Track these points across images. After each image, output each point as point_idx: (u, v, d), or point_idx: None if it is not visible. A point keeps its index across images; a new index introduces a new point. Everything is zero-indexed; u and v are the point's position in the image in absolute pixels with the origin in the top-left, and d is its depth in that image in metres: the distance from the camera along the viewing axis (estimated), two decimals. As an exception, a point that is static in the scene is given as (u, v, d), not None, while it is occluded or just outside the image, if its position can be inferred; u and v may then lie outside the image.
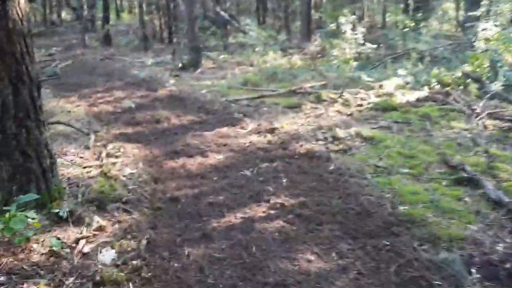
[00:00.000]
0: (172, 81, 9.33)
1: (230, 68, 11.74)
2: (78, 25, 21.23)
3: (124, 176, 4.11)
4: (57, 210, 3.13)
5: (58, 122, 5.52)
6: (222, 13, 16.47)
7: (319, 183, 4.31)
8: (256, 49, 12.84)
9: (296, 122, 6.48)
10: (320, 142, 5.51)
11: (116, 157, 4.78)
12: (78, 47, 16.34)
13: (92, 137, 5.22)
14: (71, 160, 4.42)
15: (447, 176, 4.52)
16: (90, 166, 4.25)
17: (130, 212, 3.47)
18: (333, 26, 16.13)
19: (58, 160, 4.31)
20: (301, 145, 5.34)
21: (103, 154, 4.71)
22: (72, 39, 18.71)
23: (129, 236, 3.11)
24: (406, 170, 4.65)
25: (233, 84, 9.53)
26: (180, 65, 11.29)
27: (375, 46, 13.70)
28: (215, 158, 5.02)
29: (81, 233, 3.05)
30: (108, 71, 11.18)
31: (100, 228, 3.12)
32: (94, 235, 3.06)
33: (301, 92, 8.44)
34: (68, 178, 3.88)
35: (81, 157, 4.58)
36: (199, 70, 11.11)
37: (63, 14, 26.36)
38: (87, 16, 20.05)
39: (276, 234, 3.33)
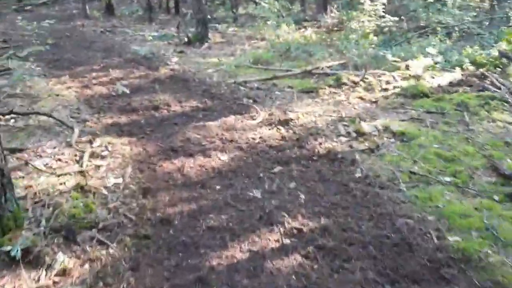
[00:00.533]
0: (175, 58, 8.50)
1: (239, 43, 10.83)
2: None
3: (106, 187, 3.37)
4: (8, 248, 2.42)
5: (38, 113, 4.77)
6: (232, -19, 15.37)
7: (343, 197, 3.54)
8: (268, 22, 11.85)
9: (314, 110, 5.65)
10: (343, 139, 4.70)
11: (102, 157, 4.05)
12: (78, 17, 15.43)
13: (76, 131, 4.47)
14: (46, 164, 3.69)
15: (499, 187, 3.72)
16: (67, 174, 3.52)
17: (107, 244, 2.74)
18: (351, -4, 15.05)
19: (29, 165, 3.60)
20: (320, 143, 4.54)
21: (86, 155, 3.96)
22: (73, 9, 17.76)
23: (101, 284, 2.39)
24: (448, 179, 3.85)
25: (243, 62, 8.67)
26: (185, 39, 10.40)
27: (396, 18, 12.69)
28: (219, 158, 4.25)
29: (38, 280, 2.35)
30: (107, 46, 10.33)
31: (64, 272, 2.41)
32: (55, 283, 2.35)
33: (317, 73, 7.57)
34: (35, 194, 3.15)
35: (58, 159, 3.84)
36: (205, 45, 10.22)
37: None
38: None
39: (293, 277, 2.59)
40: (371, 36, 10.99)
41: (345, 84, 6.70)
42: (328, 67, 7.90)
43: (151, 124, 5.33)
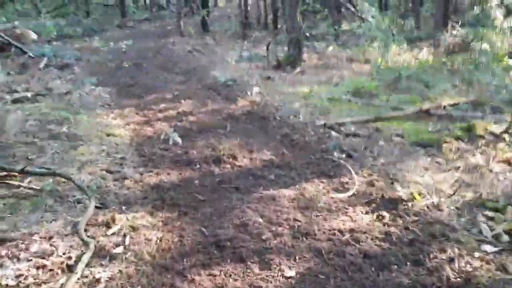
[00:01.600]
0: (256, 89, 7.14)
1: (338, 67, 9.22)
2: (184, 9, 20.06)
3: None
4: None
5: (54, 174, 3.65)
6: (335, -6, 13.77)
7: None
8: (375, 43, 10.09)
9: (435, 181, 3.87)
10: (488, 249, 2.89)
11: (110, 258, 2.74)
12: (173, 34, 14.97)
13: (91, 207, 3.23)
14: (18, 276, 2.46)
15: None
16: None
17: None
18: (478, 10, 12.69)
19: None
20: (450, 259, 2.78)
21: (86, 256, 2.67)
22: (172, 25, 17.47)
23: None
24: None
25: (339, 93, 7.08)
26: (274, 62, 9.05)
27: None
28: (282, 274, 2.71)
29: None
30: (189, 68, 9.37)
31: None
32: None
33: (438, 114, 5.72)
34: None
35: (42, 266, 2.60)
36: (297, 69, 8.78)
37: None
38: None
39: None
40: (505, 59, 8.76)
41: (481, 136, 4.78)
42: (453, 105, 5.99)
43: (204, 188, 3.97)
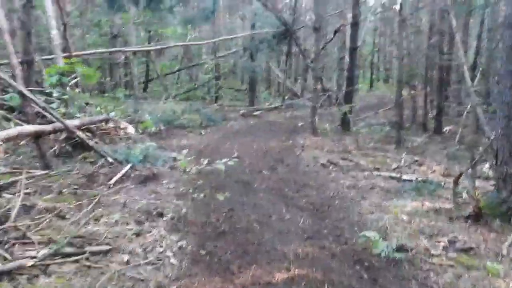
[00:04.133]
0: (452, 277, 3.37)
1: None
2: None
3: None
4: None
5: None
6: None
7: None
8: None
9: None
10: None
11: None
12: (303, 132, 12.00)
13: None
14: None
15: None
16: None
17: None
18: None
19: None
20: None
21: None
22: (303, 118, 14.62)
23: None
24: None
25: None
26: (469, 209, 5.18)
27: None
28: None
29: None
30: (322, 201, 5.96)
31: None
32: None
33: None
34: None
35: None
36: (517, 229, 4.79)
37: (309, 81, 22.42)
38: (323, 87, 15.95)
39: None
40: None
41: None
42: None
43: None
